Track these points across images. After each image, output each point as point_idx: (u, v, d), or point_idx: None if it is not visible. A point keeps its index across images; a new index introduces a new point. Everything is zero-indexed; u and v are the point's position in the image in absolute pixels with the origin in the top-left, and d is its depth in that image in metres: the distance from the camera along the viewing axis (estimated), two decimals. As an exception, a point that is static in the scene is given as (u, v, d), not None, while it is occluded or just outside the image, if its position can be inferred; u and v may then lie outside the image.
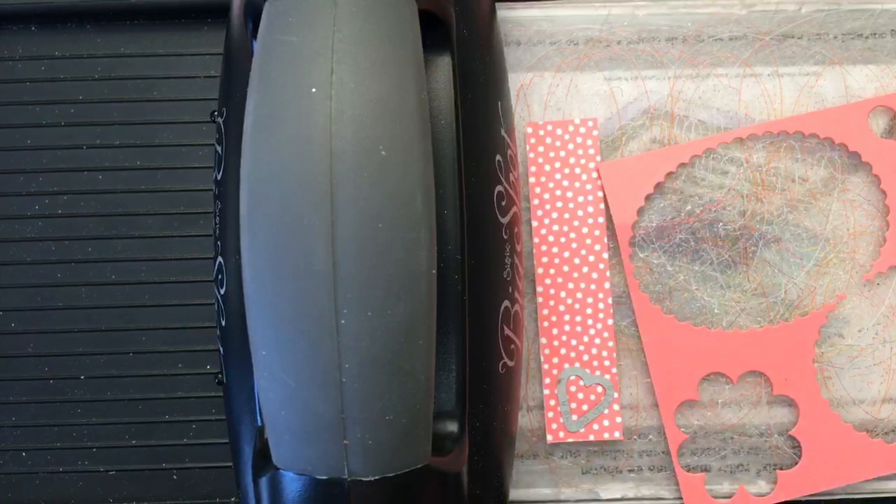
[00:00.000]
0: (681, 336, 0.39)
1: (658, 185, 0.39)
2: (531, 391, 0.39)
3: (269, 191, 0.26)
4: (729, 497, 0.39)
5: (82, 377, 0.40)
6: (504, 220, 0.33)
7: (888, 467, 0.39)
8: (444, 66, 0.32)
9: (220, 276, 0.33)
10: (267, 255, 0.26)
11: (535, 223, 0.39)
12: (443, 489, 0.30)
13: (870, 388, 0.39)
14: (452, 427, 0.31)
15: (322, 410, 0.26)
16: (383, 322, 0.26)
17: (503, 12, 0.40)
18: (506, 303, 0.33)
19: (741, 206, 0.39)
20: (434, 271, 0.27)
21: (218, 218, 0.33)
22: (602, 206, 0.39)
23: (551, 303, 0.39)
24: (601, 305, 0.39)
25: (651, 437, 0.39)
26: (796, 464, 0.39)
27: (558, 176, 0.39)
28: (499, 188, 0.33)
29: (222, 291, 0.32)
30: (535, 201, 0.39)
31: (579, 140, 0.39)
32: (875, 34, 0.40)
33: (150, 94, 0.41)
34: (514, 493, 0.39)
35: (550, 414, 0.39)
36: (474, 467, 0.31)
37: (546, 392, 0.39)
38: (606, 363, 0.39)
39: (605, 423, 0.39)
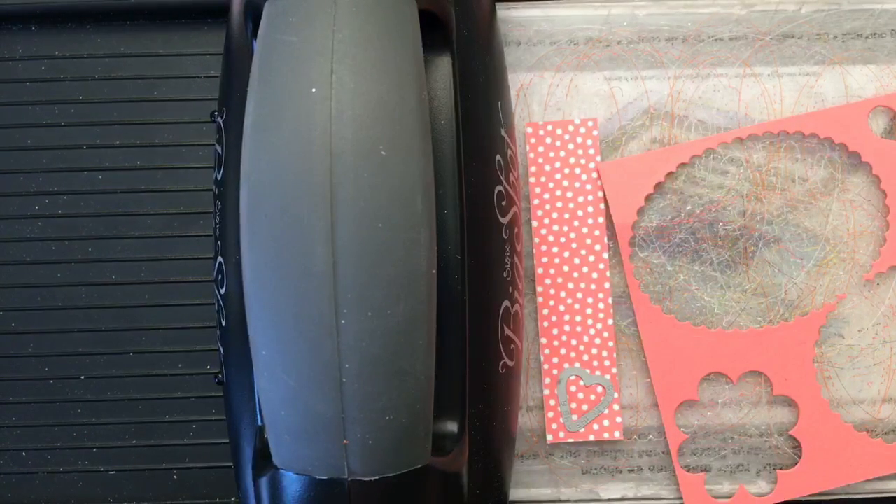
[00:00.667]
0: (681, 336, 0.39)
1: (658, 185, 0.39)
2: (531, 391, 0.39)
3: (269, 191, 0.26)
4: (729, 497, 0.39)
5: (82, 377, 0.40)
6: (504, 220, 0.33)
7: (888, 467, 0.39)
8: (444, 66, 0.32)
9: (220, 276, 0.33)
10: (267, 255, 0.26)
11: (535, 223, 0.39)
12: (443, 489, 0.30)
13: (870, 388, 0.39)
14: (452, 427, 0.31)
15: (322, 410, 0.26)
16: (383, 322, 0.26)
17: (503, 12, 0.40)
18: (506, 303, 0.33)
19: (741, 206, 0.39)
20: (434, 271, 0.27)
21: (218, 218, 0.33)
22: (602, 206, 0.39)
23: (551, 303, 0.39)
24: (601, 305, 0.39)
25: (651, 437, 0.39)
26: (796, 464, 0.39)
27: (558, 176, 0.39)
28: (499, 188, 0.33)
29: (222, 291, 0.32)
30: (535, 201, 0.39)
31: (579, 140, 0.39)
32: (875, 34, 0.40)
33: (150, 94, 0.41)
34: (514, 493, 0.39)
35: (550, 414, 0.39)
36: (474, 467, 0.31)
37: (546, 392, 0.39)
38: (606, 363, 0.39)
39: (605, 423, 0.39)
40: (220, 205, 0.33)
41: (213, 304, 0.34)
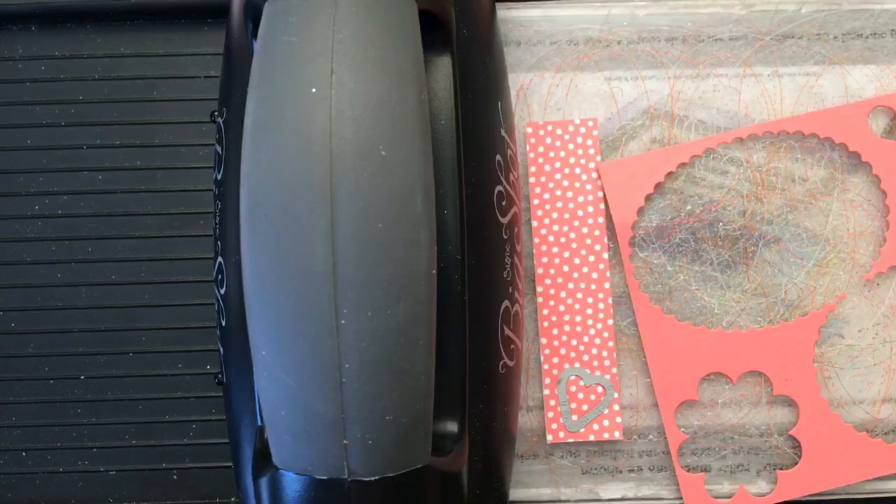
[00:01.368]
0: (681, 336, 0.39)
1: (658, 185, 0.39)
2: (531, 391, 0.39)
3: (269, 191, 0.26)
4: (729, 497, 0.39)
5: (82, 377, 0.40)
6: (504, 220, 0.33)
7: (888, 467, 0.39)
8: (444, 66, 0.32)
9: (220, 276, 0.33)
10: (267, 255, 0.26)
11: (535, 223, 0.39)
12: (443, 489, 0.30)
13: (870, 388, 0.39)
14: (452, 427, 0.31)
15: (322, 410, 0.26)
16: (383, 322, 0.26)
17: (503, 12, 0.40)
18: (506, 303, 0.33)
19: (741, 206, 0.39)
20: (434, 271, 0.27)
21: (218, 218, 0.33)
22: (602, 206, 0.39)
23: (551, 303, 0.39)
24: (601, 305, 0.39)
25: (651, 437, 0.39)
26: (796, 464, 0.39)
27: (558, 176, 0.39)
28: (499, 188, 0.33)
29: (222, 291, 0.32)
30: (535, 201, 0.39)
31: (579, 140, 0.39)
32: (875, 34, 0.40)
33: (150, 94, 0.41)
34: (514, 493, 0.39)
35: (550, 414, 0.39)
36: (474, 467, 0.31)
37: (546, 392, 0.39)
38: (606, 363, 0.39)
39: (605, 423, 0.39)
40: (220, 205, 0.33)
41: (213, 304, 0.34)
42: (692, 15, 0.40)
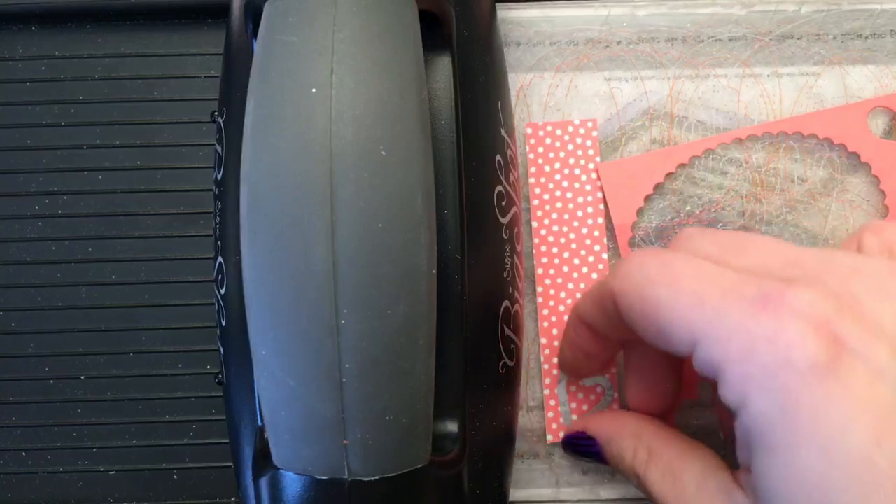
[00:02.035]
0: (680, 336, 0.39)
1: (657, 186, 0.39)
2: (531, 391, 0.39)
3: (269, 191, 0.26)
4: (728, 497, 0.39)
5: (82, 377, 0.40)
6: (504, 220, 0.33)
7: (888, 467, 0.39)
8: (444, 66, 0.32)
9: (220, 276, 0.33)
10: (267, 255, 0.26)
11: (535, 223, 0.39)
12: (443, 489, 0.30)
13: (869, 388, 0.39)
14: (452, 427, 0.31)
15: (322, 410, 0.26)
16: (383, 322, 0.26)
17: (503, 12, 0.40)
18: (506, 303, 0.33)
19: (741, 207, 0.39)
20: (434, 271, 0.27)
21: (218, 218, 0.33)
22: (602, 206, 0.39)
23: (551, 303, 0.39)
24: (601, 305, 0.39)
25: (651, 437, 0.39)
26: (796, 464, 0.39)
27: (558, 176, 0.39)
28: (499, 188, 0.33)
29: (222, 291, 0.32)
30: (535, 201, 0.39)
31: (579, 140, 0.39)
32: (875, 34, 0.40)
33: (150, 94, 0.41)
34: (514, 493, 0.39)
35: (550, 414, 0.39)
36: (474, 467, 0.31)
37: (546, 392, 0.39)
38: (606, 363, 0.39)
39: (605, 423, 0.39)
40: (220, 205, 0.33)
41: (213, 304, 0.34)
42: (692, 15, 0.40)
